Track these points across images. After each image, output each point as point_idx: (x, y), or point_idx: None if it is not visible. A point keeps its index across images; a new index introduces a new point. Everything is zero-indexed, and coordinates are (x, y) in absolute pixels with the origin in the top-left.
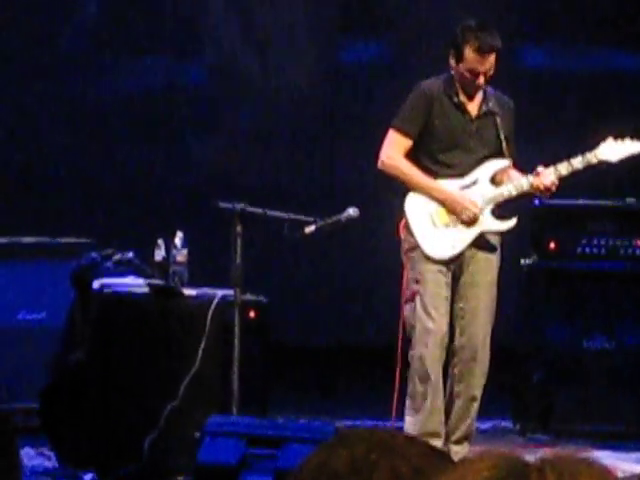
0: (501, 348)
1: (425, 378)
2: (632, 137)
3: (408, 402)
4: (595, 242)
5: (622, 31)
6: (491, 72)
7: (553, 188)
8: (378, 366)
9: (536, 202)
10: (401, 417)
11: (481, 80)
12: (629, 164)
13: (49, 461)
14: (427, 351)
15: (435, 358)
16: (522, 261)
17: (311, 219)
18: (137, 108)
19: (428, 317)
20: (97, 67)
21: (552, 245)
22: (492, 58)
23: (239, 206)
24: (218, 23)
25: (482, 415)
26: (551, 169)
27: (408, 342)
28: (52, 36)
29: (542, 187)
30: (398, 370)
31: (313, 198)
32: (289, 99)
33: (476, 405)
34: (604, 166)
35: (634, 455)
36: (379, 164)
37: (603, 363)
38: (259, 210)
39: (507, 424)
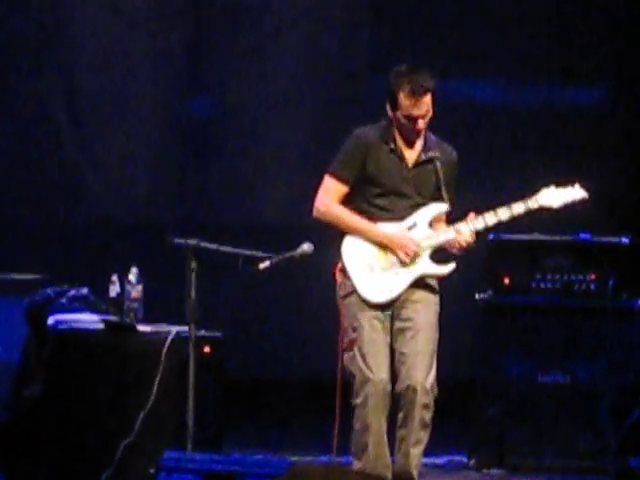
0: (456, 383)
1: (365, 428)
2: (573, 183)
3: (352, 448)
4: (549, 277)
5: (566, 67)
6: (429, 114)
7: (466, 246)
8: (333, 400)
9: (490, 236)
10: (342, 453)
11: (420, 124)
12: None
13: None
14: (367, 401)
15: (376, 407)
16: (477, 296)
17: (266, 255)
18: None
19: (367, 367)
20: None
21: (507, 280)
22: (427, 99)
23: (193, 242)
24: None
25: (437, 450)
26: (479, 220)
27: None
28: None
29: (458, 245)
30: (337, 409)
31: (268, 233)
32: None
33: (420, 448)
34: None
35: None
36: (314, 212)
37: (558, 398)
38: (213, 246)
39: (462, 459)
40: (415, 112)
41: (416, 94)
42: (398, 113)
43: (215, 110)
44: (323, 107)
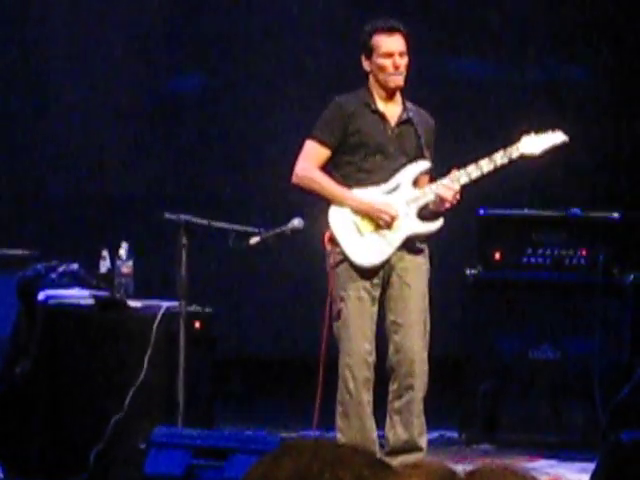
0: (447, 358)
1: (348, 400)
2: (554, 130)
3: (336, 421)
4: (540, 252)
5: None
6: (406, 58)
7: (454, 201)
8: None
9: (481, 212)
10: (325, 428)
11: (398, 61)
12: (574, 174)
13: None
14: (349, 372)
15: (359, 379)
16: (468, 271)
17: (256, 230)
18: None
19: (351, 338)
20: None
21: (497, 255)
22: (401, 40)
23: (184, 217)
24: None
25: (428, 425)
26: (461, 173)
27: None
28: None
29: (445, 201)
30: (320, 384)
31: (258, 208)
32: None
33: (422, 419)
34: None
35: (579, 465)
36: (293, 178)
37: (548, 373)
38: (204, 221)
39: (453, 434)
40: (392, 46)
41: (390, 30)
42: (375, 57)
43: (206, 87)
44: (316, 82)
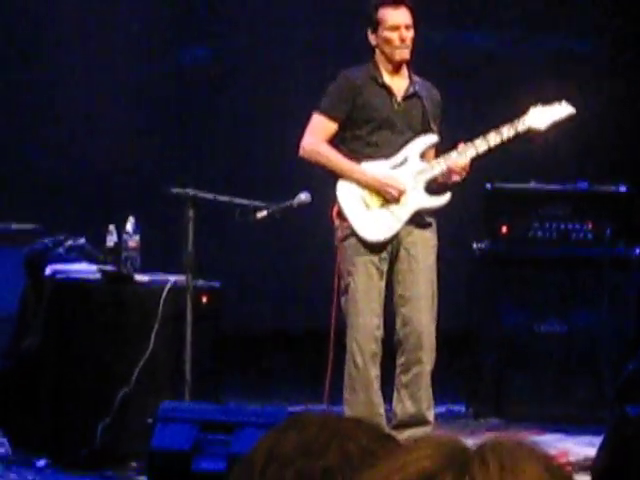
0: (454, 332)
1: (355, 373)
2: (560, 101)
3: (344, 394)
4: (547, 226)
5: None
6: (412, 31)
7: (463, 173)
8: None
9: (488, 186)
10: (334, 402)
11: (404, 34)
12: (581, 147)
13: (2, 447)
14: (357, 346)
15: (366, 352)
16: (474, 245)
17: (263, 205)
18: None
19: (359, 312)
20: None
21: (504, 229)
22: (406, 13)
23: (191, 191)
24: None
25: (435, 400)
26: (469, 146)
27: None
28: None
29: (454, 174)
30: (331, 357)
31: (265, 183)
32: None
33: (430, 392)
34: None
35: (586, 438)
36: (300, 151)
37: (555, 347)
38: (210, 195)
39: (460, 408)
40: (399, 19)
41: (395, 3)
42: (381, 31)
43: (213, 62)
44: (323, 57)
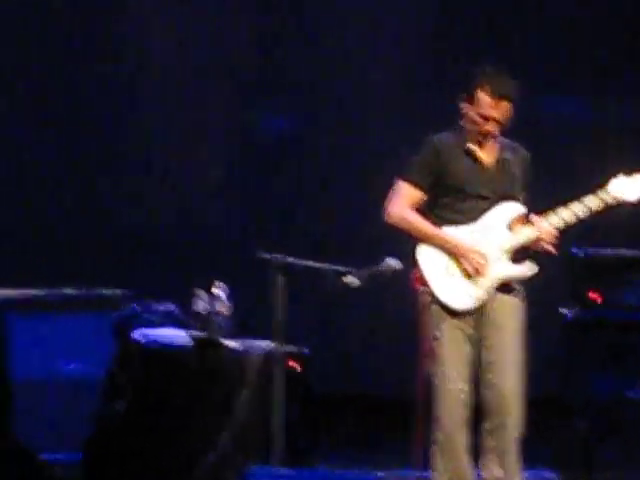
0: (544, 398)
1: (444, 440)
2: None
3: (432, 460)
4: (637, 292)
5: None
6: (505, 123)
7: (554, 240)
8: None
9: (574, 250)
10: (424, 468)
11: (491, 127)
12: None
13: None
14: (446, 412)
15: (455, 418)
16: (563, 310)
17: (349, 270)
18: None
19: (446, 377)
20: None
21: (593, 295)
22: (506, 106)
23: (279, 257)
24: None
25: (525, 465)
26: (555, 218)
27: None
28: None
29: (543, 242)
30: (420, 421)
31: (353, 249)
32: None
33: (516, 457)
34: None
35: None
36: (386, 217)
37: None
38: (300, 262)
39: (549, 474)
40: (492, 113)
41: (497, 95)
42: (473, 110)
43: (298, 127)
44: (406, 117)
